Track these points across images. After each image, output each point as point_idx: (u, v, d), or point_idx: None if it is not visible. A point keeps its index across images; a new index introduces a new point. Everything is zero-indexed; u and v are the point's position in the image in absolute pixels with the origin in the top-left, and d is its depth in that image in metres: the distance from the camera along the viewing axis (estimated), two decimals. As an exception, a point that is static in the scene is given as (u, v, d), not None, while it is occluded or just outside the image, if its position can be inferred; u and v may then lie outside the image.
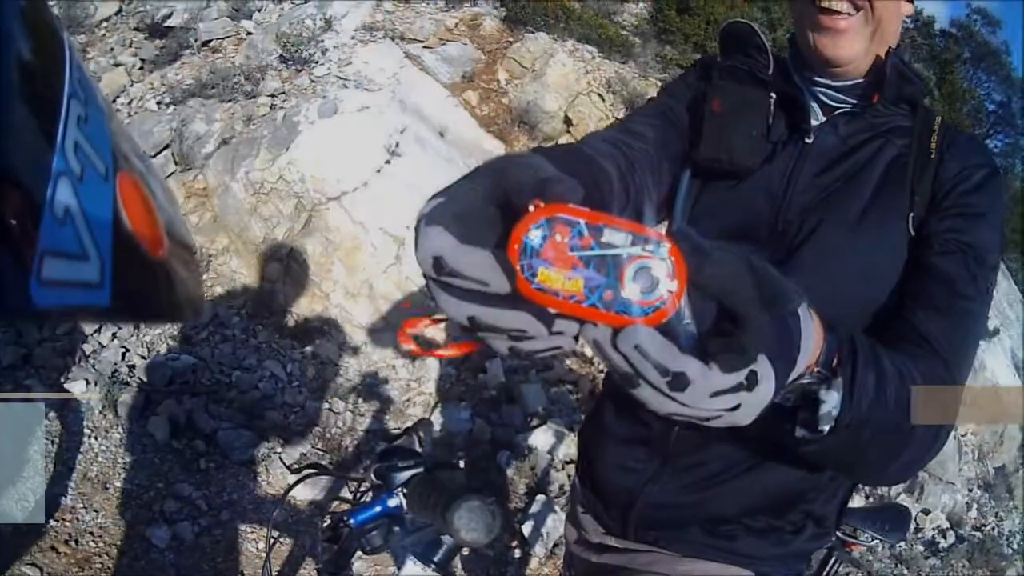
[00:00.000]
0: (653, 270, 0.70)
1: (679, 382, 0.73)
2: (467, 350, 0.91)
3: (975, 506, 8.56)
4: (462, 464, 2.21)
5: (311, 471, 2.47)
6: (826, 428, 1.08)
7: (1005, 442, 9.45)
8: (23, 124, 0.58)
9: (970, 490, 8.68)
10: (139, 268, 0.75)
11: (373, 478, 2.16)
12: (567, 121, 8.43)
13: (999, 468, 9.26)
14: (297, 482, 2.53)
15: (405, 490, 2.05)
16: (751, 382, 0.77)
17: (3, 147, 0.55)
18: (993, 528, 8.49)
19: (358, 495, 2.30)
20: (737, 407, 0.79)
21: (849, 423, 1.08)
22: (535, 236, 0.70)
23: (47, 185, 0.59)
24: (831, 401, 1.06)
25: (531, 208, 0.71)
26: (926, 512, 7.81)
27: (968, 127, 14.44)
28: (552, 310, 0.72)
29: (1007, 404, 9.43)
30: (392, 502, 2.06)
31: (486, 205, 0.76)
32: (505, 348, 0.77)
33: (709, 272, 0.75)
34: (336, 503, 2.41)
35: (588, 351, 6.64)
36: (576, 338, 0.77)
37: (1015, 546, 8.36)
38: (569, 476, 5.52)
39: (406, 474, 2.09)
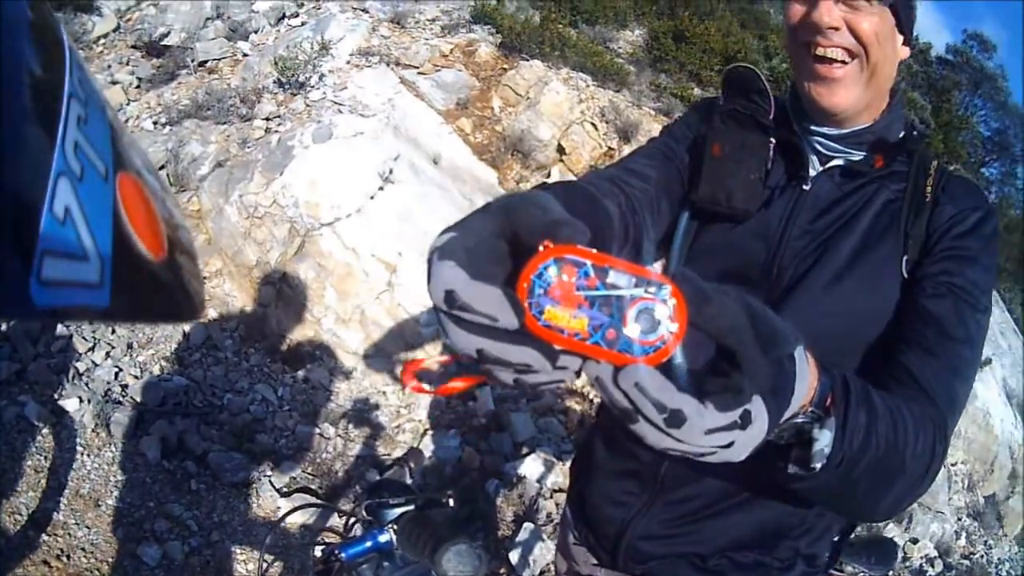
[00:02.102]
0: (655, 311, 0.74)
1: (676, 419, 0.76)
2: (472, 383, 0.92)
3: (964, 535, 8.55)
4: (452, 502, 2.23)
5: (304, 499, 2.50)
6: (818, 466, 1.09)
7: (995, 471, 9.44)
8: (23, 124, 0.59)
9: (959, 519, 8.65)
10: (139, 268, 0.74)
11: (364, 513, 2.20)
12: (560, 150, 8.43)
13: (989, 497, 9.24)
14: (291, 511, 2.55)
15: (395, 526, 2.09)
16: (745, 421, 0.80)
17: (3, 147, 0.55)
18: (982, 556, 8.46)
19: (349, 526, 2.33)
20: (731, 444, 0.81)
21: (841, 461, 1.10)
22: (544, 276, 0.73)
23: (47, 185, 0.59)
24: (824, 439, 1.08)
25: (540, 248, 0.74)
26: (914, 541, 7.78)
27: (964, 155, 14.44)
28: (557, 346, 0.75)
29: (998, 433, 9.44)
30: (383, 538, 2.09)
31: (496, 241, 0.79)
32: (510, 380, 0.79)
33: (709, 314, 0.78)
34: (326, 534, 2.43)
35: (579, 384, 6.68)
36: (578, 373, 0.79)
37: (1003, 574, 8.36)
38: (558, 505, 5.52)
39: (397, 511, 2.13)
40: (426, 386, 0.97)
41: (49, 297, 0.57)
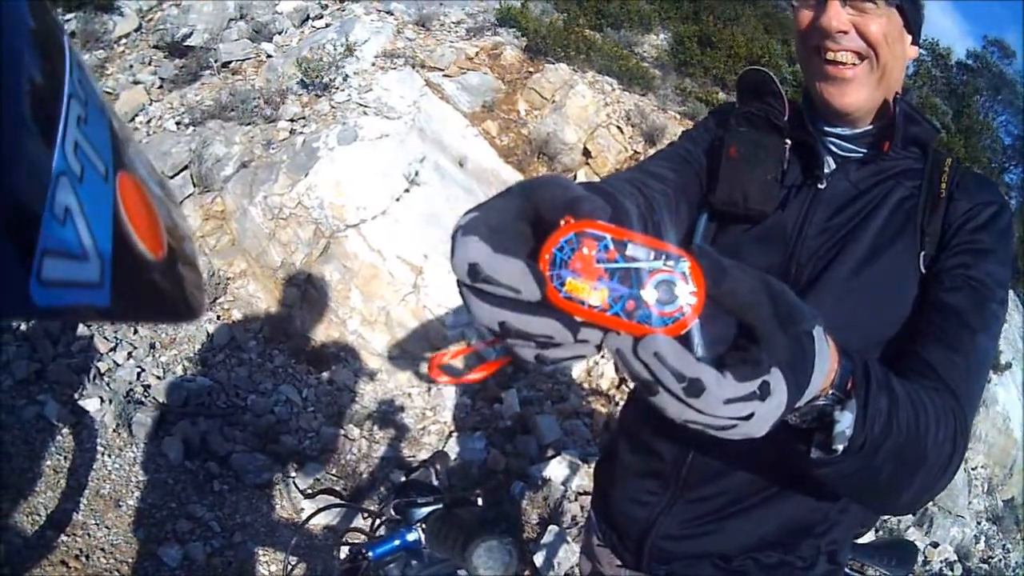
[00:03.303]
0: (674, 284, 0.75)
1: (695, 388, 0.77)
2: (494, 369, 0.93)
3: (983, 538, 8.56)
4: (480, 500, 2.22)
5: (329, 499, 2.50)
6: (840, 448, 1.09)
7: (1015, 475, 9.44)
8: (23, 124, 0.58)
9: (978, 523, 8.69)
10: (139, 268, 0.74)
11: (392, 512, 2.19)
12: (586, 153, 8.45)
13: (1008, 501, 9.26)
14: (318, 511, 2.54)
15: (424, 525, 2.08)
16: (764, 392, 0.81)
17: (3, 147, 0.55)
18: (1000, 560, 8.51)
19: (375, 526, 2.32)
20: (750, 416, 0.82)
21: (862, 444, 1.10)
22: (565, 248, 0.75)
23: (47, 185, 0.59)
24: (845, 421, 1.08)
25: (562, 223, 0.76)
26: (935, 545, 7.80)
27: (985, 161, 14.42)
28: (578, 318, 0.76)
29: (1017, 437, 9.44)
30: (411, 536, 2.09)
31: (518, 220, 0.81)
32: (532, 356, 0.80)
33: (727, 288, 0.79)
34: (353, 533, 2.42)
35: (604, 386, 6.66)
36: (599, 347, 0.80)
37: (1020, 577, 8.37)
38: (583, 507, 5.51)
39: (425, 510, 2.13)
40: (452, 374, 0.99)
41: (49, 297, 0.57)
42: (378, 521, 2.30)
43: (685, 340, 0.77)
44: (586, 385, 6.90)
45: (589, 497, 5.49)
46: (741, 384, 0.79)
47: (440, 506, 2.13)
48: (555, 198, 0.80)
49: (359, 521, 4.37)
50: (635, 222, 1.29)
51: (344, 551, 2.18)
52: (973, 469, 8.99)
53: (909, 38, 1.66)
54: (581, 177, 8.23)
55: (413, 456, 5.89)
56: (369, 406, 6.27)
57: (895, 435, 1.14)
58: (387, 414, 6.20)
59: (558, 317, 0.76)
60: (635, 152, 8.57)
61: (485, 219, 0.80)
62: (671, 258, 0.75)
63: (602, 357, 6.62)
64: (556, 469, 5.88)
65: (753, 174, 1.74)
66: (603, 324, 0.76)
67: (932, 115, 12.38)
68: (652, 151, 8.31)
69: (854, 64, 1.60)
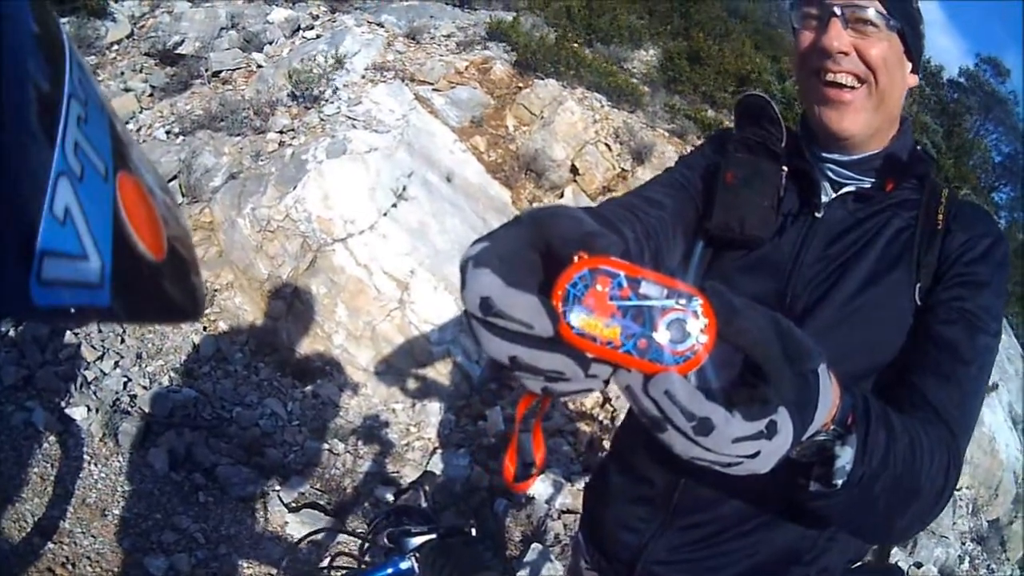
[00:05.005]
0: (686, 322, 0.76)
1: (704, 427, 0.78)
2: (541, 440, 1.00)
3: (967, 559, 8.55)
4: (473, 531, 2.23)
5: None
6: (840, 482, 1.11)
7: (1000, 496, 9.44)
8: (23, 124, 0.59)
9: (963, 543, 8.67)
10: (139, 268, 0.75)
11: (386, 541, 2.19)
12: (574, 170, 8.44)
13: (992, 521, 9.25)
14: (309, 536, 2.55)
15: (417, 555, 2.09)
16: (771, 431, 0.82)
17: (3, 147, 0.56)
18: (984, 581, 8.51)
19: (364, 550, 2.33)
20: (756, 454, 0.83)
21: (860, 478, 1.12)
22: (578, 284, 0.75)
23: (47, 185, 0.60)
24: (845, 456, 1.10)
25: (575, 258, 0.77)
26: (919, 565, 7.78)
27: (974, 180, 14.45)
28: (589, 355, 0.77)
29: (1003, 458, 9.44)
30: (404, 565, 2.10)
31: (528, 250, 0.82)
32: (539, 388, 0.81)
33: (737, 327, 0.80)
34: (342, 557, 2.42)
35: (588, 406, 6.66)
36: (606, 382, 0.81)
37: (1005, 598, 8.37)
38: (566, 526, 5.51)
39: (419, 539, 2.13)
40: (526, 474, 1.06)
41: (49, 297, 0.58)
42: (367, 545, 2.31)
43: (695, 378, 0.79)
44: (570, 404, 6.88)
45: (572, 516, 5.53)
46: (749, 423, 0.81)
47: (434, 536, 2.14)
48: (569, 231, 0.80)
49: (345, 534, 4.38)
50: (631, 249, 1.31)
51: (338, 576, 2.19)
52: (958, 490, 8.96)
53: (909, 66, 1.67)
54: (568, 195, 8.23)
55: (397, 472, 5.88)
56: (354, 421, 6.26)
57: (892, 468, 1.16)
58: (372, 429, 6.19)
59: (569, 353, 0.77)
60: (623, 170, 8.57)
61: (496, 250, 0.80)
62: (683, 296, 0.76)
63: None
64: (540, 487, 5.87)
65: (750, 200, 1.74)
66: (615, 361, 0.77)
67: (923, 133, 12.40)
68: (640, 169, 8.35)
69: (853, 87, 1.60)
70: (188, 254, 0.90)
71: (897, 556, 7.58)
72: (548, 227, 0.82)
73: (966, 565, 8.51)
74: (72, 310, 0.63)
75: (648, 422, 0.81)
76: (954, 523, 8.66)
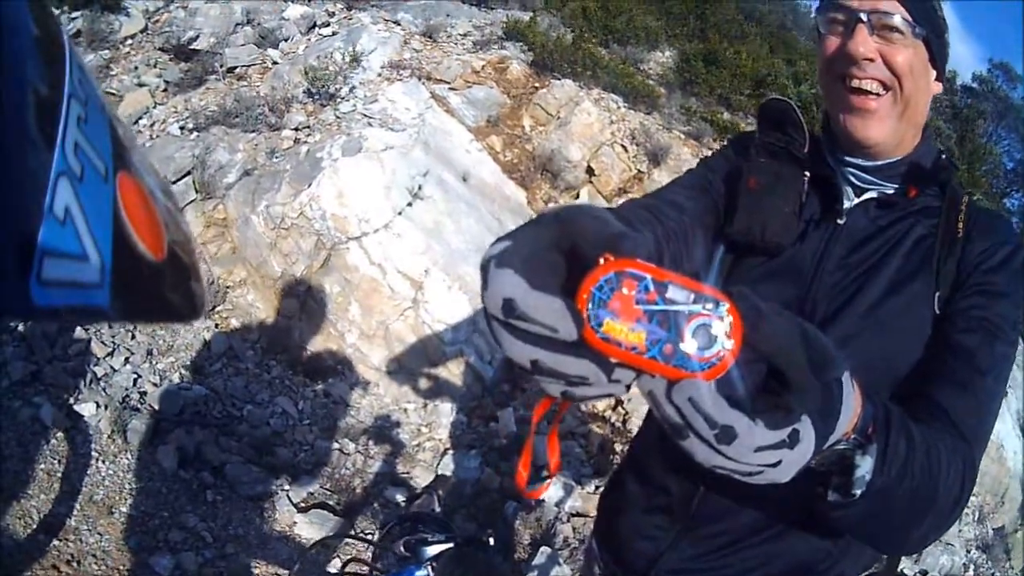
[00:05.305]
0: (712, 328, 0.74)
1: (726, 435, 0.77)
2: (556, 456, 0.98)
3: (972, 567, 8.54)
4: (491, 540, 2.21)
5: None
6: (859, 492, 1.10)
7: (1006, 503, 9.42)
8: (23, 124, 0.58)
9: (968, 551, 8.66)
10: (139, 268, 0.75)
11: (402, 549, 2.18)
12: (590, 171, 8.43)
13: (998, 529, 9.23)
14: (320, 542, 2.53)
15: (434, 564, 2.08)
16: (793, 440, 0.81)
17: (3, 147, 0.55)
18: (989, 589, 8.49)
19: (376, 555, 2.32)
20: (778, 463, 0.82)
21: (880, 488, 1.10)
22: (604, 288, 0.73)
23: (47, 185, 0.59)
24: (865, 466, 1.09)
25: (601, 261, 0.75)
26: (924, 573, 7.78)
27: (986, 186, 14.41)
28: (613, 359, 0.75)
29: (1011, 466, 9.42)
30: (420, 574, 2.08)
31: (551, 252, 0.79)
32: (558, 392, 0.79)
33: (764, 333, 0.78)
34: (355, 563, 2.41)
35: (600, 408, 6.64)
36: (628, 387, 0.79)
37: (1010, 606, 8.35)
38: (575, 529, 5.50)
39: (436, 548, 2.12)
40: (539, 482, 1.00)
41: (49, 297, 0.58)
42: (377, 551, 2.30)
43: (719, 385, 0.77)
44: (583, 407, 6.88)
45: (582, 519, 5.50)
46: (772, 432, 0.79)
47: (451, 545, 2.13)
48: (594, 232, 0.78)
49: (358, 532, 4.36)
50: (651, 252, 1.29)
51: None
52: (965, 497, 8.97)
53: (934, 73, 1.66)
54: (584, 196, 8.24)
55: (408, 473, 5.87)
56: (365, 420, 6.25)
57: (910, 478, 1.15)
58: (383, 429, 6.19)
59: (592, 357, 0.75)
60: (639, 171, 8.56)
61: (518, 250, 0.78)
62: (710, 301, 0.75)
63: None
64: (550, 490, 5.85)
65: (772, 205, 1.73)
66: (639, 366, 0.75)
67: (936, 138, 12.39)
68: (656, 171, 8.33)
69: (878, 94, 1.59)
70: (189, 259, 0.90)
71: (903, 564, 7.50)
72: (572, 227, 0.79)
73: (971, 573, 8.50)
74: (72, 310, 0.63)
75: (669, 429, 0.80)
76: (960, 531, 8.66)
